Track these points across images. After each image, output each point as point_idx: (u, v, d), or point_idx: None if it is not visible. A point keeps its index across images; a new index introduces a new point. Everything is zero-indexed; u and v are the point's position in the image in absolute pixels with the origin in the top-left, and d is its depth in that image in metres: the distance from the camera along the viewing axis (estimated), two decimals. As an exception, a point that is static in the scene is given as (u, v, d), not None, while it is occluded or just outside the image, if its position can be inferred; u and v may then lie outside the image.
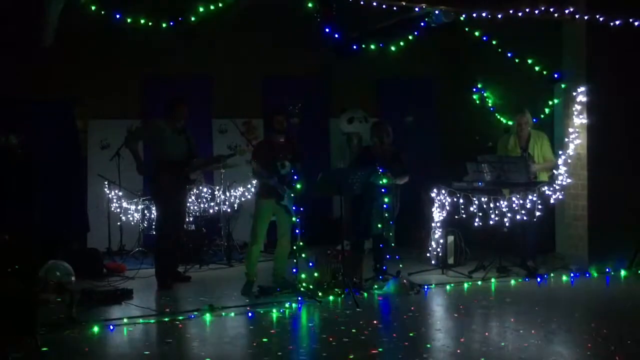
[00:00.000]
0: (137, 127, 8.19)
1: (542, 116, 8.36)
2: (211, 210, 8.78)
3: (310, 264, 6.77)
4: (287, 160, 6.70)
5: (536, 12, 7.36)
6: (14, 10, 7.48)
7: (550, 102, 8.30)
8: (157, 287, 6.94)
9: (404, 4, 7.13)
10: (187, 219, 8.34)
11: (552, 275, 7.34)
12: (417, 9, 7.38)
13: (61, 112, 9.09)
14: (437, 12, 7.30)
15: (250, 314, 5.83)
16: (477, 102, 9.65)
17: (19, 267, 5.24)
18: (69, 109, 9.18)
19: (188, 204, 8.29)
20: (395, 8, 7.14)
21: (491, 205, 7.14)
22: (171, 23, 6.81)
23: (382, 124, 7.56)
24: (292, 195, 6.70)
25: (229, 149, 9.15)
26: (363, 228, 7.18)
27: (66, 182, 8.95)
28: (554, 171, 7.53)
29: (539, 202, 7.16)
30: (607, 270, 7.40)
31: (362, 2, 6.92)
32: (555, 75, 8.02)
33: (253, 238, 6.85)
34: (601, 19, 7.32)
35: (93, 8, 6.33)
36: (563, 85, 7.83)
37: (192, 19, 6.77)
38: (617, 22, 7.34)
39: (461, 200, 7.21)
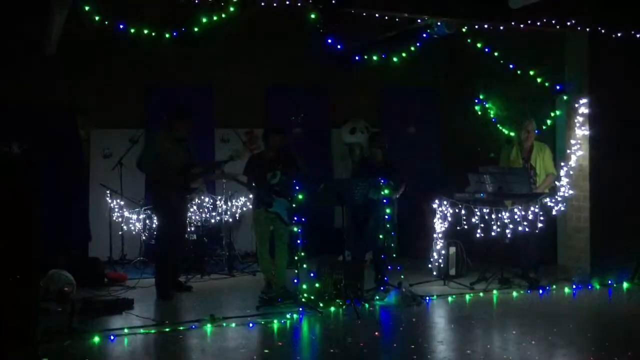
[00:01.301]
0: (143, 155, 7.26)
1: (544, 127, 8.36)
2: (213, 220, 8.78)
3: (312, 275, 6.75)
4: (278, 170, 6.91)
5: (538, 23, 7.38)
6: (18, 19, 7.51)
7: (552, 114, 8.31)
8: (157, 297, 6.92)
9: (406, 15, 7.15)
10: (189, 229, 8.36)
11: (554, 287, 7.31)
12: (419, 20, 7.40)
13: (64, 121, 9.11)
14: (439, 23, 7.33)
15: (251, 325, 5.81)
16: (479, 113, 9.66)
17: (20, 276, 5.23)
18: (72, 117, 9.19)
19: (190, 214, 8.30)
20: (397, 19, 7.16)
21: (493, 216, 7.14)
22: (174, 34, 6.84)
23: (380, 134, 7.61)
24: (284, 204, 6.85)
25: (230, 158, 9.18)
26: (365, 239, 7.18)
27: (68, 191, 8.96)
28: (556, 182, 7.52)
29: (540, 213, 7.15)
30: (610, 282, 7.38)
31: (364, 14, 6.95)
32: (557, 87, 8.04)
33: (259, 250, 7.12)
34: (603, 30, 7.33)
35: (97, 18, 6.35)
36: (565, 97, 7.84)
37: (195, 29, 6.79)
38: (619, 34, 7.35)
39: (463, 211, 7.20)
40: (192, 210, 8.47)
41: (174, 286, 7.19)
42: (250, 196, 8.67)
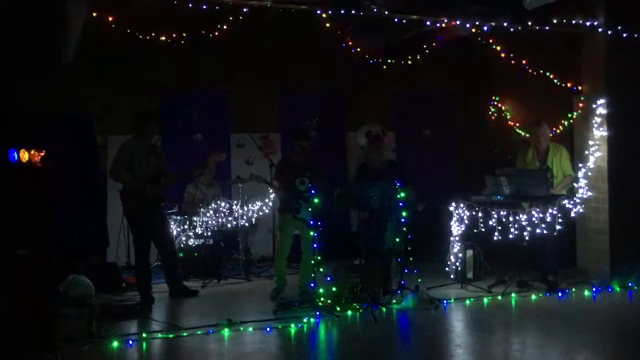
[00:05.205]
0: (116, 159, 7.16)
1: (561, 128, 8.31)
2: (229, 225, 8.79)
3: (329, 278, 6.75)
4: (306, 177, 6.95)
5: (554, 21, 7.33)
6: (36, 28, 7.59)
7: (570, 115, 8.24)
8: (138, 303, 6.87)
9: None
10: (206, 234, 8.41)
11: (573, 290, 7.24)
12: (438, 24, 7.37)
13: (81, 127, 9.16)
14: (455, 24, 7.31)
15: (268, 329, 5.81)
16: (495, 115, 9.61)
17: (39, 282, 5.27)
18: (89, 124, 9.26)
19: (206, 219, 8.35)
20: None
21: (510, 219, 7.07)
22: (189, 38, 6.89)
23: (376, 137, 7.57)
24: (310, 209, 6.82)
25: (245, 163, 9.29)
26: (379, 243, 7.15)
27: (86, 197, 9.01)
28: (574, 184, 7.45)
29: (559, 215, 7.08)
30: (630, 284, 7.28)
31: (378, 17, 6.93)
32: (575, 88, 7.97)
33: (277, 252, 7.26)
34: (620, 30, 7.26)
35: (113, 26, 6.41)
36: (582, 98, 7.77)
37: (210, 35, 6.84)
38: (637, 34, 7.28)
39: (480, 214, 7.15)
40: (208, 215, 8.49)
41: (179, 291, 7.26)
42: (267, 200, 8.74)
